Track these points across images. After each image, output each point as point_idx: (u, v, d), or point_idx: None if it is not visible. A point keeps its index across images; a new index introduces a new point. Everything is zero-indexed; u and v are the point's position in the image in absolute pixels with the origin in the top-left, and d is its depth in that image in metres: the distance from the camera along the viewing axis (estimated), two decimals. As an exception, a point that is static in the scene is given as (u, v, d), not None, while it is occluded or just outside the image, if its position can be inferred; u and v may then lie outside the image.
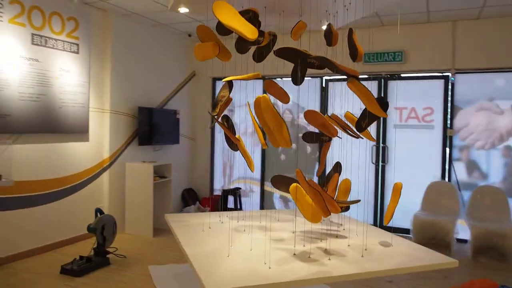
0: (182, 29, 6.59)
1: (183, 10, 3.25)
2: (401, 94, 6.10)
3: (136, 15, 5.73)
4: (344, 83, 6.16)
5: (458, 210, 5.45)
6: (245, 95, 6.87)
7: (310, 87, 6.71)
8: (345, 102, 6.26)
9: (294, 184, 2.48)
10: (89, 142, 5.44)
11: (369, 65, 6.14)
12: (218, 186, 7.44)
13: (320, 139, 3.18)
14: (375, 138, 6.21)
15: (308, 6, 2.91)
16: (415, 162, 6.00)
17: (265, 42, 2.84)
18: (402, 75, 6.12)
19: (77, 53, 5.17)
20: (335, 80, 6.58)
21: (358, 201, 2.95)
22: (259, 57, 2.94)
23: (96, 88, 5.52)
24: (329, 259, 2.29)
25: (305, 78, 6.55)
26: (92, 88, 5.43)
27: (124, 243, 5.29)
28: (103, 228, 4.57)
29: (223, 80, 2.83)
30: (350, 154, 6.30)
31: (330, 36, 2.94)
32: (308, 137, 3.21)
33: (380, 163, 6.21)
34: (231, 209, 6.89)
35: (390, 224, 5.79)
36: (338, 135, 3.03)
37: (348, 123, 3.09)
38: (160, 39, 6.56)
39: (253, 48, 3.09)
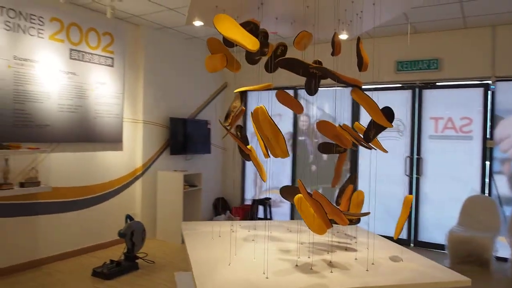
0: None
1: (197, 23, 3.34)
2: (436, 103, 5.86)
3: (168, 28, 5.94)
4: (377, 92, 6.02)
5: (498, 226, 5.12)
6: (277, 106, 6.87)
7: (343, 96, 6.61)
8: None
9: (298, 195, 2.45)
10: (123, 151, 5.67)
11: (402, 73, 5.96)
12: (249, 196, 7.47)
13: (336, 150, 3.12)
14: (409, 148, 6.01)
15: (322, 15, 2.88)
16: (452, 174, 5.73)
17: (270, 53, 2.84)
18: (438, 83, 5.88)
19: (112, 66, 5.43)
20: (367, 90, 6.43)
21: (368, 213, 2.86)
22: (270, 67, 2.94)
23: (130, 99, 5.75)
24: (331, 272, 2.24)
25: (337, 88, 6.47)
26: (126, 99, 5.67)
27: (154, 249, 5.44)
28: (132, 234, 4.72)
29: (234, 91, 2.87)
30: (382, 166, 6.14)
31: (333, 46, 2.91)
32: (323, 148, 3.17)
33: (414, 175, 5.97)
34: (260, 219, 6.89)
35: (426, 240, 5.57)
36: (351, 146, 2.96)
37: (360, 134, 3.02)
38: (192, 51, 6.74)
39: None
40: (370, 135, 2.68)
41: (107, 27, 5.33)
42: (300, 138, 7.02)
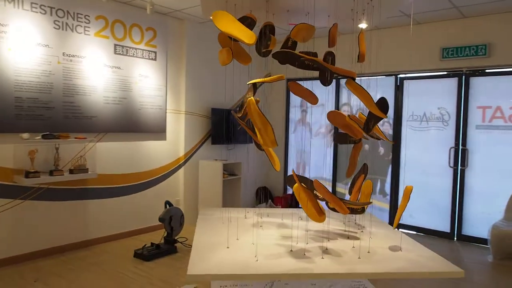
0: (256, 32, 6.80)
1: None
2: (485, 91, 5.52)
3: (210, 22, 6.10)
4: (421, 81, 5.82)
5: (549, 222, 4.78)
6: (320, 96, 6.85)
7: (384, 86, 6.44)
8: (422, 101, 5.92)
9: (296, 185, 2.50)
10: (166, 141, 5.96)
11: (447, 60, 5.67)
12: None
13: (350, 140, 3.10)
14: (454, 139, 5.73)
15: (335, 6, 2.86)
16: (499, 167, 5.39)
17: (272, 46, 2.87)
18: (487, 70, 5.52)
19: (155, 60, 5.71)
20: (410, 78, 6.21)
21: (370, 203, 2.83)
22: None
23: (172, 91, 6.02)
24: (322, 258, 2.26)
25: (379, 76, 6.31)
26: (169, 91, 5.94)
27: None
28: (171, 219, 4.99)
29: (247, 83, 2.95)
30: (426, 157, 5.92)
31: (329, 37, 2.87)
32: (339, 138, 3.16)
33: (459, 167, 5.69)
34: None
35: (471, 234, 5.33)
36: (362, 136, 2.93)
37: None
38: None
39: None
40: (370, 126, 2.66)
41: (150, 22, 5.60)
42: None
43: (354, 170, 3.26)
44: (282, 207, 7.11)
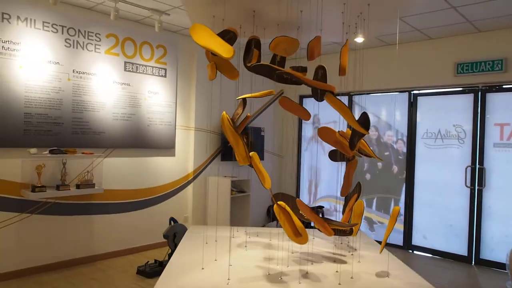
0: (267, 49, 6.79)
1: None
2: (502, 108, 5.28)
3: (219, 39, 6.15)
4: (435, 97, 5.63)
5: None
6: (332, 112, 6.75)
7: (397, 102, 6.27)
8: (437, 117, 5.71)
9: (278, 203, 2.41)
10: (175, 157, 5.98)
11: (462, 76, 5.47)
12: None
13: (343, 158, 2.99)
14: (470, 158, 5.48)
15: (327, 20, 2.79)
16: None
17: (255, 59, 2.81)
18: (504, 86, 5.29)
19: (165, 76, 5.77)
20: (424, 95, 6.03)
21: (356, 224, 2.69)
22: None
23: (182, 107, 6.05)
24: (299, 283, 2.14)
25: (392, 93, 6.14)
26: (178, 107, 5.98)
27: (199, 252, 5.63)
28: (175, 235, 4.94)
29: (237, 98, 2.90)
30: (441, 176, 5.68)
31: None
32: (332, 154, 3.06)
33: (476, 187, 5.42)
34: (312, 227, 6.75)
35: (490, 258, 5.03)
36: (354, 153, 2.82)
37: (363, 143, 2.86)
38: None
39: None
40: (355, 142, 2.55)
41: (160, 40, 5.69)
42: (354, 145, 6.77)
43: (349, 188, 3.15)
44: (293, 226, 6.95)
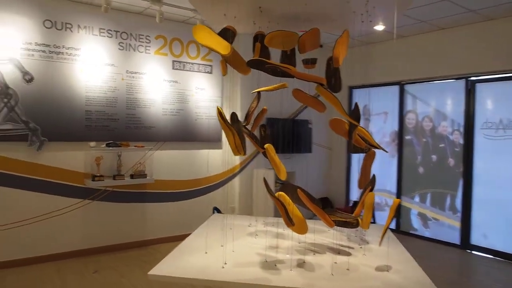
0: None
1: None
2: None
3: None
4: (496, 83, 5.25)
5: None
6: (383, 103, 6.56)
7: (453, 90, 5.93)
8: (498, 106, 5.31)
9: (277, 194, 2.51)
10: (222, 150, 6.26)
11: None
12: (355, 196, 7.27)
13: (362, 149, 2.99)
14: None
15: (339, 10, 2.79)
16: None
17: (256, 54, 2.91)
18: None
19: (211, 73, 6.06)
20: (483, 81, 5.62)
21: (356, 217, 2.68)
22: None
23: (228, 102, 6.30)
24: (291, 270, 2.23)
25: (446, 80, 5.85)
26: (224, 102, 6.24)
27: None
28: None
29: (252, 91, 3.04)
30: (503, 170, 5.26)
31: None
32: (349, 146, 3.07)
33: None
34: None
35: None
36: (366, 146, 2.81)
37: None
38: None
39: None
40: (352, 134, 2.57)
41: (206, 38, 5.96)
42: (406, 137, 6.52)
43: (367, 181, 3.13)
44: (343, 219, 6.90)
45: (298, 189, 2.57)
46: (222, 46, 2.50)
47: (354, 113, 2.62)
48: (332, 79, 3.04)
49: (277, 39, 2.76)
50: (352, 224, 2.69)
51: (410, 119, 6.49)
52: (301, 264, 2.37)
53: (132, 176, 5.32)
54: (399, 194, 6.52)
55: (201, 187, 6.10)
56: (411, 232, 6.38)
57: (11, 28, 4.51)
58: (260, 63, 2.60)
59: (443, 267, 5.07)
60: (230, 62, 2.96)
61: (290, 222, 2.35)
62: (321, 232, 3.10)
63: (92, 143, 5.07)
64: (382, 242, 2.51)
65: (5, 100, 4.52)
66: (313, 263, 2.39)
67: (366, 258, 2.53)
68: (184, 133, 5.84)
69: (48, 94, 4.76)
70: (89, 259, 4.98)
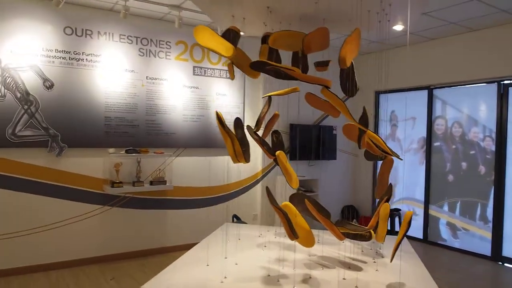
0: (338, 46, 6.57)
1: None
2: None
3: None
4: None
5: None
6: (411, 108, 6.27)
7: (484, 94, 5.60)
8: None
9: (283, 204, 2.37)
10: (243, 156, 6.15)
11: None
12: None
13: (377, 156, 2.81)
14: None
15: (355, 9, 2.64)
16: None
17: (262, 56, 2.77)
18: None
19: (232, 79, 5.98)
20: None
21: (367, 229, 2.49)
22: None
23: (250, 107, 6.21)
24: (294, 287, 2.07)
25: (478, 84, 5.55)
26: (246, 107, 6.14)
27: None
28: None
29: (262, 96, 2.93)
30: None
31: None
32: (367, 153, 2.90)
33: None
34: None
35: None
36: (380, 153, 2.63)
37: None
38: (319, 57, 6.76)
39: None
40: (361, 139, 2.40)
41: (227, 43, 5.91)
42: (435, 144, 6.21)
43: (384, 190, 2.94)
44: (368, 228, 6.62)
45: (306, 199, 2.42)
46: (223, 48, 2.39)
47: (362, 118, 2.45)
48: (347, 82, 2.88)
49: (282, 40, 2.64)
50: (364, 237, 2.51)
51: (439, 125, 6.18)
52: (306, 280, 2.21)
53: (151, 183, 5.29)
54: (427, 203, 6.21)
55: (221, 194, 6.02)
56: (439, 242, 6.06)
57: (32, 35, 4.59)
58: (262, 65, 2.48)
59: (473, 280, 4.77)
60: (239, 65, 2.85)
61: (293, 235, 2.21)
62: (334, 245, 2.93)
63: (111, 150, 5.09)
64: (394, 258, 2.32)
65: (26, 106, 4.60)
66: (319, 279, 2.23)
67: (378, 274, 2.35)
68: (204, 139, 5.78)
69: (68, 100, 4.81)
70: (107, 266, 4.97)
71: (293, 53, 2.80)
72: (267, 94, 2.91)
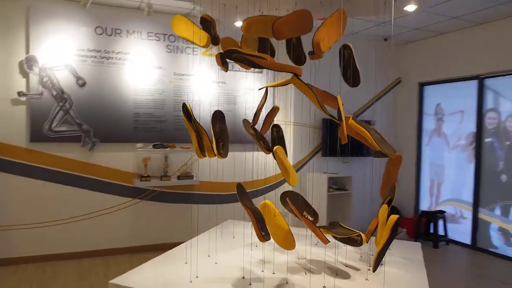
0: (375, 34, 6.19)
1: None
2: None
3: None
4: None
5: None
6: (459, 101, 5.80)
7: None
8: None
9: (262, 202, 2.23)
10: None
11: None
12: (425, 206, 6.48)
13: (380, 154, 2.57)
14: None
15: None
16: None
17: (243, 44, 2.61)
18: None
19: (261, 72, 5.87)
20: None
21: (356, 232, 2.24)
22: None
23: (280, 102, 6.04)
24: None
25: (504, 76, 5.01)
26: (276, 102, 5.99)
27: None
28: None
29: (259, 89, 2.80)
30: None
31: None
32: (372, 150, 2.67)
33: None
34: (429, 236, 5.90)
35: None
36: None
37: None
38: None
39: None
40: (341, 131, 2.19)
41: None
42: (486, 140, 5.62)
43: (387, 189, 2.69)
44: (408, 232, 6.20)
45: (287, 198, 2.26)
46: (199, 38, 2.30)
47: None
48: (348, 71, 2.67)
49: (256, 26, 2.47)
50: (356, 241, 2.29)
51: (490, 119, 5.58)
52: (281, 285, 2.06)
53: (179, 177, 5.35)
54: (476, 205, 5.64)
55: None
56: (490, 249, 5.47)
57: (66, 36, 4.82)
58: (230, 53, 2.35)
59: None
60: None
61: (262, 236, 2.06)
62: (332, 248, 2.71)
63: (139, 144, 5.21)
64: (394, 267, 2.07)
65: (61, 103, 4.84)
66: (297, 285, 2.06)
67: (366, 284, 2.12)
68: (231, 134, 5.63)
69: (100, 97, 4.99)
70: (135, 256, 5.11)
71: (286, 40, 2.63)
72: (264, 86, 2.77)
